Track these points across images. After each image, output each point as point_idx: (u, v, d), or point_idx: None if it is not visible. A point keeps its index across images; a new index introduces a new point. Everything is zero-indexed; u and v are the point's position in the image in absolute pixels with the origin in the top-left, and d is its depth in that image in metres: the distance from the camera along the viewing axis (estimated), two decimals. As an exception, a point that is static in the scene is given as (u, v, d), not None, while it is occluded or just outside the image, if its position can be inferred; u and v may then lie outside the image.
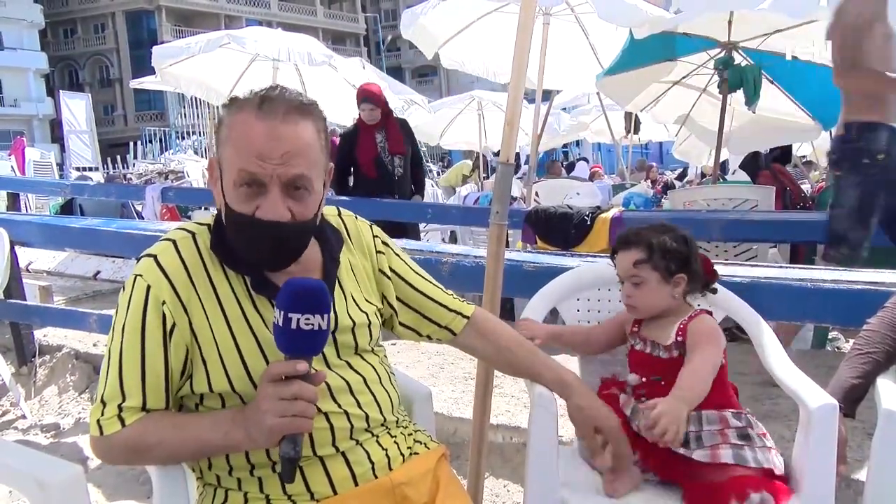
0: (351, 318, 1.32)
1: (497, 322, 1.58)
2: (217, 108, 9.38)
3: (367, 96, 5.04)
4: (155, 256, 1.23)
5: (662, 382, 1.60)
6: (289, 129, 1.17)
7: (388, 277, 1.46)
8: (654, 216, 4.56)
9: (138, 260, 1.25)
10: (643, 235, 1.68)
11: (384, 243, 1.48)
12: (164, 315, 1.19)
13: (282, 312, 1.07)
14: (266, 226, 1.18)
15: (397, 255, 1.50)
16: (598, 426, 1.46)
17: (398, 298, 1.48)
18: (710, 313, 1.69)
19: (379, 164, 5.02)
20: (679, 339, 1.63)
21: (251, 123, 1.17)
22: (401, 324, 1.50)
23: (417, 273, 1.52)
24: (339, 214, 1.45)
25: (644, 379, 1.66)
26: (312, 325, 1.08)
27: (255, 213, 1.18)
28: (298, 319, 1.07)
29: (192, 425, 1.19)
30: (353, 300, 1.36)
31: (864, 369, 1.65)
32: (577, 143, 17.50)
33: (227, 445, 1.17)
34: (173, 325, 1.20)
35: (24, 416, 3.52)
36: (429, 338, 1.53)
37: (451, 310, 1.51)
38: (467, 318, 1.52)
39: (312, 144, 1.21)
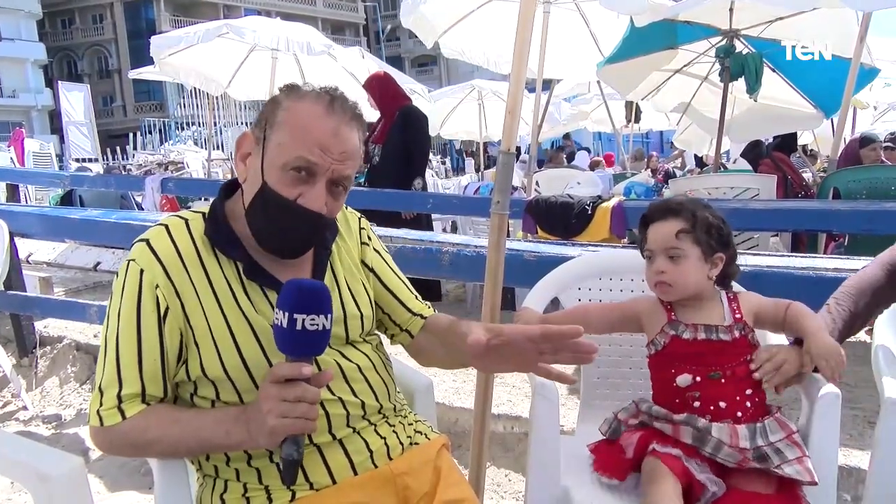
0: (344, 308, 1.32)
1: (448, 318, 1.50)
2: (217, 98, 9.38)
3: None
4: (147, 241, 1.23)
5: (722, 380, 1.47)
6: (350, 132, 1.23)
7: (367, 272, 1.45)
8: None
9: (131, 246, 1.24)
10: (686, 205, 1.54)
11: (368, 237, 1.49)
12: (157, 299, 1.19)
13: (286, 313, 1.05)
14: (306, 214, 1.20)
15: (377, 250, 1.49)
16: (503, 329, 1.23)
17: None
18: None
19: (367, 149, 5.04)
20: (737, 316, 1.52)
21: (319, 116, 1.21)
22: None
23: (393, 271, 1.50)
24: None
25: (698, 378, 1.47)
26: (317, 325, 1.06)
27: (296, 199, 1.20)
28: (304, 320, 1.05)
29: (194, 422, 1.19)
30: (349, 289, 1.36)
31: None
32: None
33: (229, 444, 1.17)
34: (167, 309, 1.19)
35: (25, 408, 3.53)
36: (392, 338, 1.51)
37: (413, 312, 1.48)
38: (424, 318, 1.48)
39: (359, 152, 1.27)
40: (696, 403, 1.47)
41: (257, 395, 1.15)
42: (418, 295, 1.53)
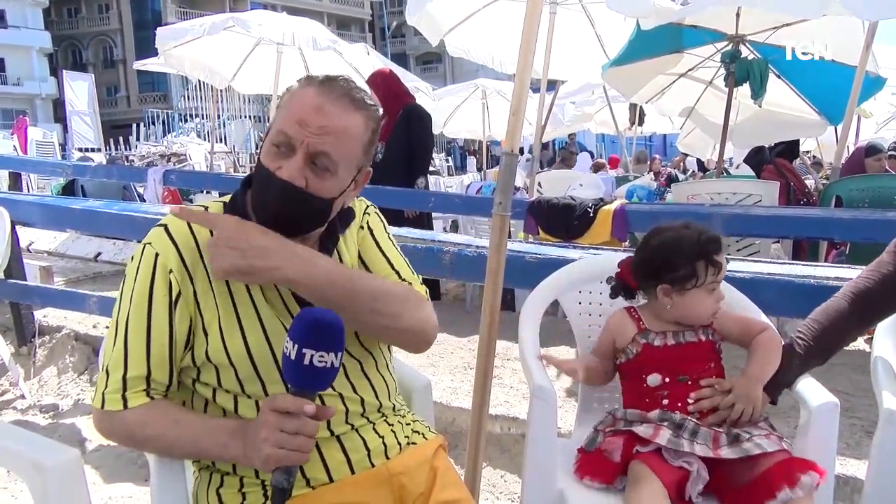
0: None
1: None
2: (221, 91, 9.37)
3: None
4: (165, 226, 1.24)
5: (689, 382, 1.55)
6: (335, 110, 1.21)
7: (360, 263, 1.40)
8: (657, 209, 4.54)
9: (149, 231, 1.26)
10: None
11: (368, 222, 1.43)
12: (170, 283, 1.20)
13: (295, 346, 1.04)
14: (279, 183, 1.19)
15: (374, 237, 1.43)
16: None
17: None
18: None
19: None
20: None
21: (307, 94, 1.22)
22: None
23: (384, 254, 1.42)
24: None
25: (667, 379, 1.56)
26: (325, 362, 1.04)
27: (276, 171, 1.20)
28: (312, 356, 1.03)
29: (194, 427, 1.19)
30: None
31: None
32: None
33: (224, 456, 1.17)
34: (178, 294, 1.20)
35: (23, 397, 3.53)
36: None
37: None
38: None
39: (352, 134, 1.23)
40: (665, 401, 1.54)
41: (257, 394, 1.16)
42: (414, 279, 1.44)
